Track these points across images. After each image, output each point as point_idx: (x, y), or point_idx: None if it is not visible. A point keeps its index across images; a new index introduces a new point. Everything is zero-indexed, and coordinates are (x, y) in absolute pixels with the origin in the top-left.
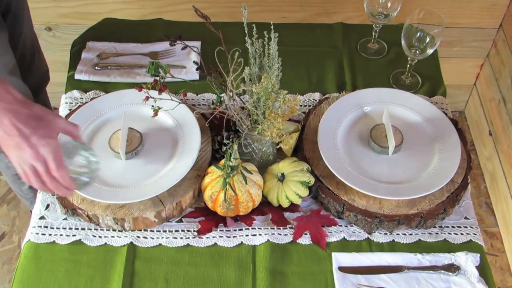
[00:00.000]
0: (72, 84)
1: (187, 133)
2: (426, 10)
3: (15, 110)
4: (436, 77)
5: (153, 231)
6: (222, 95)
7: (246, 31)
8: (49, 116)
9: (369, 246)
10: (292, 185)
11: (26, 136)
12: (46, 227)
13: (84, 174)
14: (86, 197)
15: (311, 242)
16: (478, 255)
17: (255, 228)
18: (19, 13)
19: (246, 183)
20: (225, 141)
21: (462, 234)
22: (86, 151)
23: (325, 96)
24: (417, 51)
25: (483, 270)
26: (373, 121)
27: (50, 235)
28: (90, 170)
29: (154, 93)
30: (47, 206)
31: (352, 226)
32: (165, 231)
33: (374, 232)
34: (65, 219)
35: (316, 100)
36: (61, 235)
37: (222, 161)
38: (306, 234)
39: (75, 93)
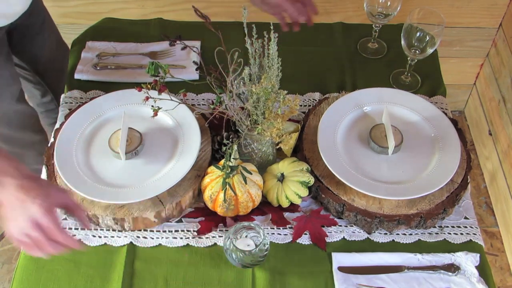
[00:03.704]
0: (72, 83)
1: (187, 133)
2: (426, 9)
3: (21, 184)
4: (436, 76)
5: (153, 231)
6: (222, 95)
7: (246, 31)
8: (52, 188)
9: (369, 246)
10: (291, 185)
11: (28, 202)
12: None
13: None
14: (86, 197)
15: (311, 242)
16: (478, 255)
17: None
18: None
19: (246, 183)
20: (225, 141)
21: (462, 234)
22: (254, 229)
23: (325, 96)
24: (417, 51)
25: (483, 270)
26: (373, 121)
27: None
28: (258, 249)
29: (154, 93)
30: None
31: (352, 226)
32: (165, 231)
33: (374, 232)
34: (65, 219)
35: (316, 100)
36: None
37: (222, 161)
38: (305, 234)
39: (75, 92)
